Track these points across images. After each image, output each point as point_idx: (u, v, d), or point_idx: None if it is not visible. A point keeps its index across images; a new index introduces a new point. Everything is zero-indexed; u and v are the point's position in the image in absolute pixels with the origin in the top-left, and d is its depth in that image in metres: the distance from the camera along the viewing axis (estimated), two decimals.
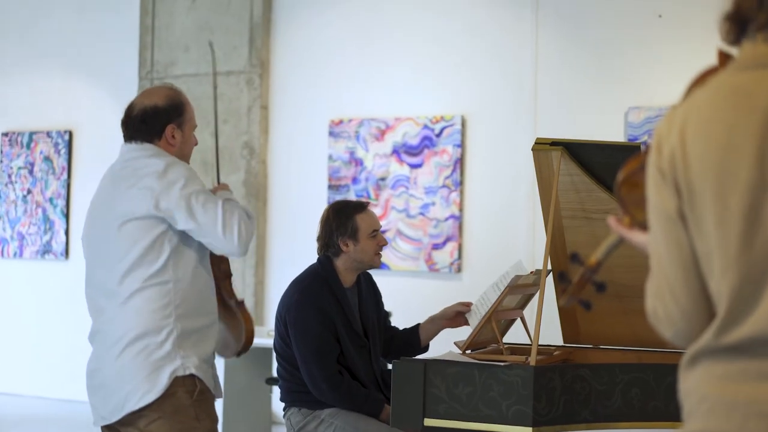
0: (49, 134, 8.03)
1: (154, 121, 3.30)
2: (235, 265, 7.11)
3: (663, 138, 1.59)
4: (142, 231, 3.23)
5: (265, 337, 5.97)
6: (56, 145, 8.00)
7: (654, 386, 3.50)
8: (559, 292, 1.78)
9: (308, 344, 4.07)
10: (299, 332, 4.09)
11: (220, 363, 6.11)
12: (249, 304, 7.12)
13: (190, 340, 3.23)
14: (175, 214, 3.20)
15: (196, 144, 3.44)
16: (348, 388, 4.06)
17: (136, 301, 3.22)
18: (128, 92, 7.67)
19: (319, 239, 4.22)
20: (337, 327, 4.10)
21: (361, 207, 4.24)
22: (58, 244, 7.96)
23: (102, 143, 7.85)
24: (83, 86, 7.96)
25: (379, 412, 4.05)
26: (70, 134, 7.96)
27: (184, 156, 3.37)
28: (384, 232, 4.54)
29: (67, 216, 7.94)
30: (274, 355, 4.47)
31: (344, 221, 4.13)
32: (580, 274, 1.89)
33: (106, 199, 3.40)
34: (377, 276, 4.79)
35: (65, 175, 7.96)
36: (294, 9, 7.22)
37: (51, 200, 8.00)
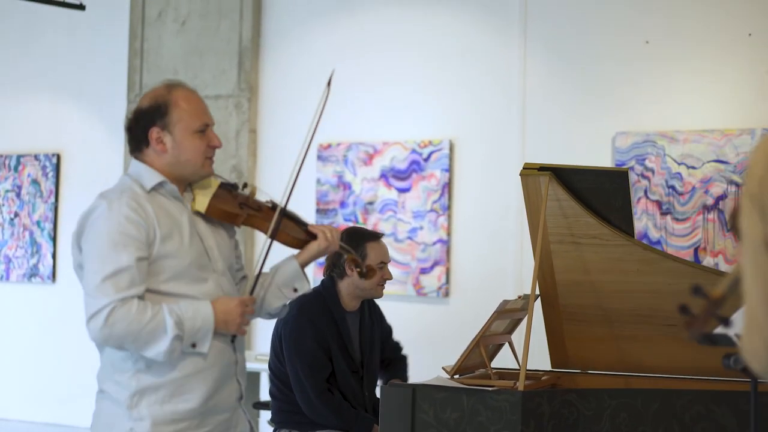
0: (36, 157, 8.02)
1: (135, 126, 2.93)
2: None
3: (753, 164, 1.54)
4: None
5: (253, 361, 5.95)
6: (44, 168, 7.99)
7: (642, 411, 3.50)
8: (684, 324, 1.77)
9: (301, 359, 4.08)
10: (293, 346, 4.10)
11: None
12: None
13: (152, 397, 2.83)
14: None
15: (214, 146, 2.95)
16: (339, 406, 4.07)
17: (106, 349, 2.89)
18: (116, 115, 7.68)
19: (327, 258, 4.23)
20: (331, 347, 4.11)
21: (374, 237, 4.26)
22: (45, 268, 7.92)
23: (90, 167, 7.84)
24: (71, 109, 7.96)
25: (369, 431, 4.05)
26: (58, 157, 7.94)
27: (186, 163, 2.91)
28: None
29: (54, 239, 7.91)
30: (263, 377, 4.47)
31: (355, 246, 4.12)
32: (703, 307, 1.82)
33: None
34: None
35: (53, 198, 7.93)
36: (283, 33, 7.24)
37: (38, 223, 7.97)
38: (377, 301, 4.42)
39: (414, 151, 6.75)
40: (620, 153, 6.11)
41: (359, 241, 4.16)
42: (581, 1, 6.36)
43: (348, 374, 4.15)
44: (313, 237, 3.05)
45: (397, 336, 4.62)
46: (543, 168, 3.75)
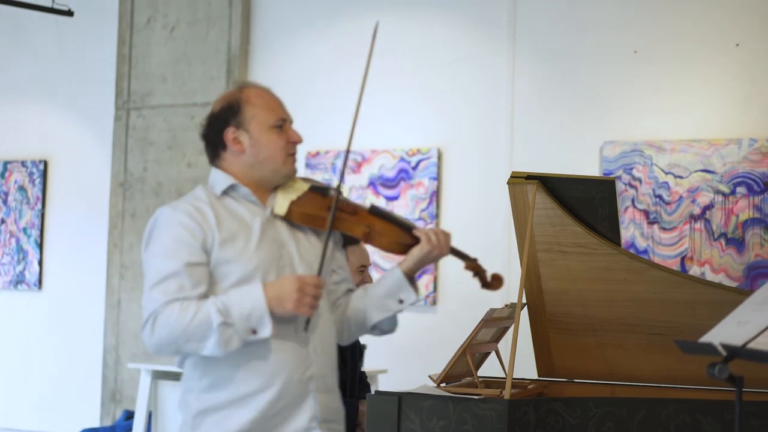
0: (23, 164, 7.99)
1: (210, 132, 2.78)
2: None
3: None
4: None
5: None
6: (31, 174, 7.96)
7: (628, 420, 3.50)
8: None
9: None
10: None
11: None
12: None
13: (213, 417, 2.66)
14: None
15: (294, 142, 2.78)
16: None
17: (184, 365, 2.76)
18: (104, 122, 7.67)
19: None
20: None
21: (353, 240, 4.25)
22: (31, 274, 7.89)
23: (77, 173, 7.82)
24: (59, 116, 7.93)
25: (355, 415, 4.00)
26: (45, 164, 7.92)
27: (265, 161, 2.74)
28: None
29: (41, 246, 7.89)
30: None
31: None
32: None
33: None
34: None
35: (39, 205, 7.91)
36: (271, 41, 7.24)
37: (25, 230, 7.94)
38: None
39: (402, 159, 6.75)
40: (608, 162, 6.12)
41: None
42: (570, 11, 6.38)
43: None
44: (415, 241, 2.80)
45: (383, 344, 4.61)
46: (530, 177, 3.76)
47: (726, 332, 2.42)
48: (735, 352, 2.29)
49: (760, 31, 5.95)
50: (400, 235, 2.79)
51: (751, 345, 2.29)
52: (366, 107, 7.01)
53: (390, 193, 6.78)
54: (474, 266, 2.99)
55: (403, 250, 2.79)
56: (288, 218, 2.73)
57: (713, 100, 6.00)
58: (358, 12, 6.97)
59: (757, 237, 5.79)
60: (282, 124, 2.76)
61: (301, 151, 7.03)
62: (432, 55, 6.77)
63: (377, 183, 6.82)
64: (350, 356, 4.32)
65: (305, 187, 2.79)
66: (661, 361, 3.95)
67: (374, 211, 2.80)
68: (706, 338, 2.44)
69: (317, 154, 6.98)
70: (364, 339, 4.87)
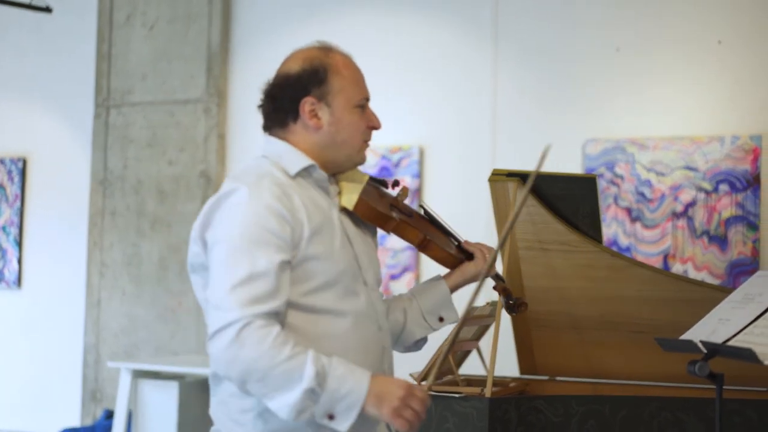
0: (2, 161, 7.93)
1: (281, 94, 2.37)
2: (190, 295, 7.05)
3: None
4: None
5: None
6: (9, 172, 7.90)
7: (610, 418, 3.48)
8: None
9: None
10: None
11: (172, 392, 6.04)
12: (203, 335, 7.05)
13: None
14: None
15: (374, 127, 2.45)
16: None
17: (223, 381, 2.39)
18: (84, 120, 7.61)
19: None
20: None
21: None
22: (10, 273, 7.84)
23: (56, 171, 7.76)
24: (37, 114, 7.88)
25: None
26: (24, 162, 7.86)
27: (342, 145, 2.38)
28: None
29: (20, 244, 7.83)
30: None
31: None
32: None
33: None
34: None
35: (18, 203, 7.85)
36: (252, 38, 7.20)
37: (4, 228, 7.88)
38: None
39: (384, 156, 6.72)
40: (590, 159, 6.11)
41: None
42: (553, 8, 6.36)
43: None
44: (467, 256, 2.57)
45: None
46: (511, 174, 3.74)
47: (706, 330, 2.41)
48: (715, 350, 2.28)
49: (743, 29, 5.95)
50: (451, 247, 2.57)
51: (732, 342, 2.27)
52: None
53: None
54: (505, 288, 2.78)
55: (455, 263, 2.57)
56: (355, 212, 2.38)
57: (696, 98, 6.00)
58: (340, 10, 6.94)
59: (739, 235, 5.79)
60: (365, 104, 2.44)
61: None
62: (414, 53, 6.74)
63: None
64: None
65: (365, 178, 2.48)
66: (643, 359, 3.94)
67: (429, 215, 2.58)
68: (686, 336, 2.43)
69: None
70: None
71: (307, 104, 2.33)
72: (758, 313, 2.32)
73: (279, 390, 2.09)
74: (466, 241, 2.59)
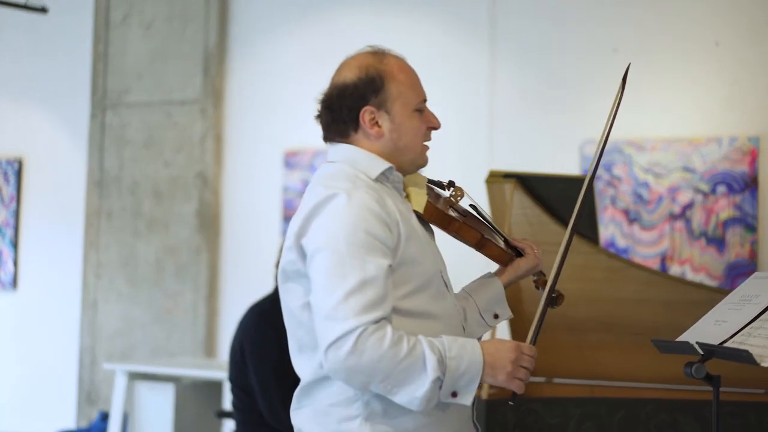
0: None
1: (340, 105, 2.35)
2: (187, 296, 7.04)
3: None
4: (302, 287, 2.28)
5: (216, 369, 5.89)
6: (5, 173, 7.88)
7: (607, 420, 3.47)
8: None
9: (266, 364, 4.02)
10: (257, 353, 4.04)
11: (168, 393, 6.02)
12: (200, 337, 7.02)
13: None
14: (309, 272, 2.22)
15: (434, 127, 2.42)
16: None
17: (317, 388, 2.39)
18: (80, 120, 7.59)
19: (276, 265, 4.23)
20: None
21: None
22: (6, 274, 7.81)
23: (52, 172, 7.74)
24: (33, 114, 7.85)
25: None
26: (20, 163, 7.84)
27: (404, 150, 2.36)
28: None
29: (15, 246, 7.80)
30: (226, 387, 4.41)
31: None
32: None
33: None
34: None
35: (14, 204, 7.83)
36: (249, 38, 7.18)
37: (0, 229, 7.86)
38: None
39: None
40: (588, 161, 6.09)
41: None
42: (550, 8, 6.34)
43: None
44: (516, 252, 2.54)
45: None
46: (508, 175, 3.73)
47: (703, 331, 2.39)
48: (711, 352, 2.26)
49: (740, 30, 5.93)
50: (502, 243, 2.53)
51: (728, 344, 2.25)
52: None
53: None
54: (546, 282, 2.68)
55: (509, 260, 2.54)
56: (423, 215, 2.38)
57: (693, 99, 5.98)
58: (337, 10, 6.92)
59: (737, 236, 5.77)
60: (423, 106, 2.41)
61: (279, 150, 6.99)
62: (411, 53, 6.67)
63: None
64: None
65: (425, 180, 2.50)
66: (640, 360, 3.93)
67: (480, 213, 2.56)
68: (683, 337, 2.41)
69: (295, 153, 6.92)
70: None
71: (366, 113, 2.32)
72: (755, 315, 2.31)
73: (404, 385, 2.11)
74: (513, 238, 2.57)
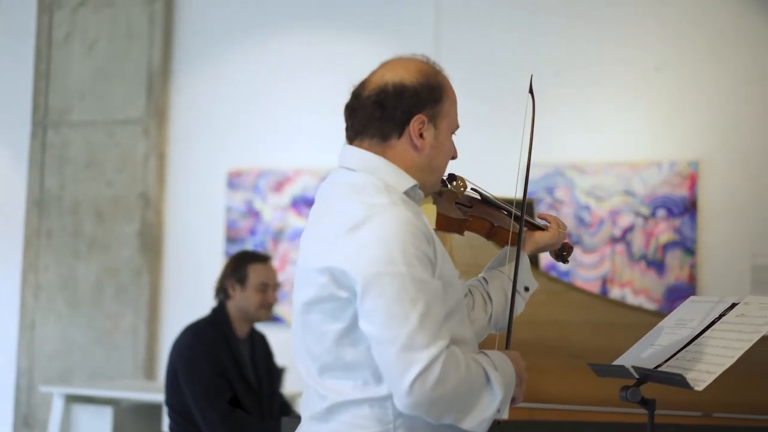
0: None
1: (395, 105, 2.13)
2: (127, 318, 6.95)
3: None
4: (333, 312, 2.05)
5: (155, 392, 5.81)
6: None
7: None
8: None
9: (199, 385, 4.01)
10: (189, 373, 4.03)
11: (106, 417, 5.93)
12: (140, 359, 6.94)
13: None
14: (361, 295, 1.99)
15: (454, 157, 2.28)
16: (244, 424, 4.00)
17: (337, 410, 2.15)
18: (20, 139, 7.48)
19: (217, 282, 4.31)
20: (228, 373, 4.05)
21: (259, 258, 4.31)
22: None
23: None
24: None
25: None
26: None
27: (435, 170, 2.20)
28: (281, 285, 4.53)
29: None
30: (164, 410, 4.37)
31: (237, 267, 4.26)
32: None
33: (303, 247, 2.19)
34: (272, 329, 4.73)
35: None
36: (193, 58, 7.14)
37: None
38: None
39: (325, 179, 6.68)
40: (531, 184, 6.12)
41: (242, 263, 4.25)
42: (492, 32, 6.39)
43: (248, 399, 4.10)
44: (532, 227, 2.46)
45: None
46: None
47: (639, 355, 2.40)
48: (647, 376, 2.27)
49: (680, 56, 6.02)
50: (507, 224, 2.43)
51: (663, 368, 2.27)
52: (288, 126, 6.98)
53: None
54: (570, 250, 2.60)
55: (514, 238, 2.41)
56: (436, 230, 2.24)
57: (634, 124, 6.05)
58: (281, 30, 6.91)
59: (676, 259, 5.83)
60: (457, 128, 2.30)
61: (223, 171, 6.94)
62: (357, 72, 6.69)
63: (300, 203, 6.75)
64: (267, 379, 4.25)
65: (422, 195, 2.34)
66: (580, 383, 3.93)
67: (484, 197, 2.46)
68: (619, 361, 2.42)
69: (239, 173, 6.89)
70: (282, 361, 4.80)
71: (417, 122, 2.14)
72: (690, 339, 2.32)
73: (473, 407, 1.97)
74: (539, 213, 2.51)
